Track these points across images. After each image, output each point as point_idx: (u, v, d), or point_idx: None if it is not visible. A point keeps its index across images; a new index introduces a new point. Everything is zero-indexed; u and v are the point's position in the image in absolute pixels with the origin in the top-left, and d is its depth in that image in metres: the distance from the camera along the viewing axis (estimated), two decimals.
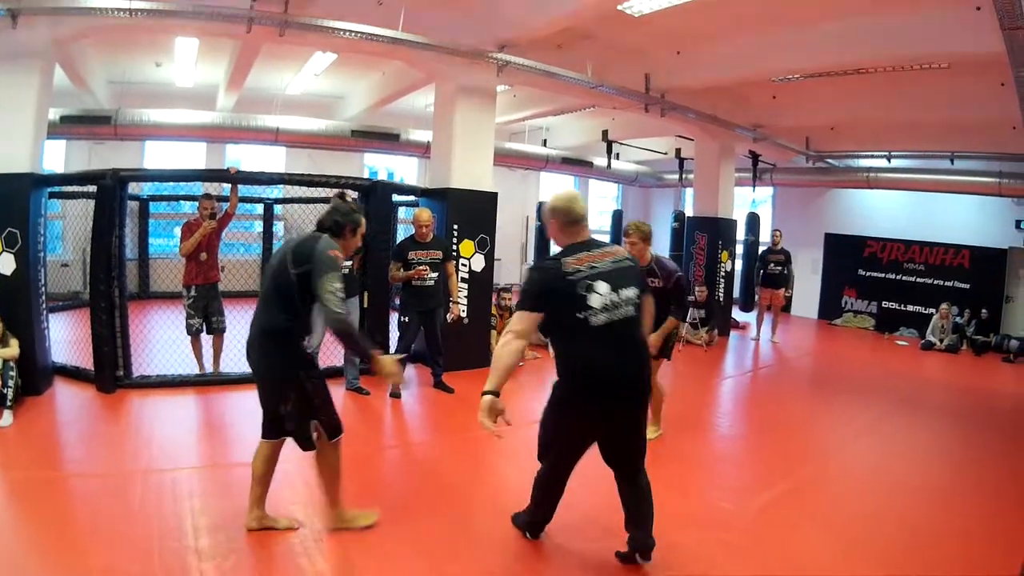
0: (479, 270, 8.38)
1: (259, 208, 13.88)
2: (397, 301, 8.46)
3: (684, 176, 15.35)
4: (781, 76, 9.47)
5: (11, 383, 5.65)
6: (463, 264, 8.21)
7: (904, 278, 14.25)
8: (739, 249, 13.38)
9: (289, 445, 3.82)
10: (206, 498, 4.35)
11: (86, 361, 6.87)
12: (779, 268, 11.75)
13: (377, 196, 7.63)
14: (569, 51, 8.63)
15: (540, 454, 3.67)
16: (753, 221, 13.95)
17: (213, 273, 7.15)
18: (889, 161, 13.65)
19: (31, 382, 6.16)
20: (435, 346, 7.18)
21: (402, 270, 6.77)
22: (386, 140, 13.26)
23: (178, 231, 7.63)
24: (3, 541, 3.75)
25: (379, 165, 15.97)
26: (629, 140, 14.96)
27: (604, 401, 3.32)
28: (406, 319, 6.97)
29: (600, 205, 20.08)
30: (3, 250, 6.25)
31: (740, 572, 3.72)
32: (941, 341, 12.17)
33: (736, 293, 13.41)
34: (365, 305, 7.35)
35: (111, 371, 6.61)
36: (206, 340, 7.23)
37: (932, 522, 4.61)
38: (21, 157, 6.36)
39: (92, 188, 6.86)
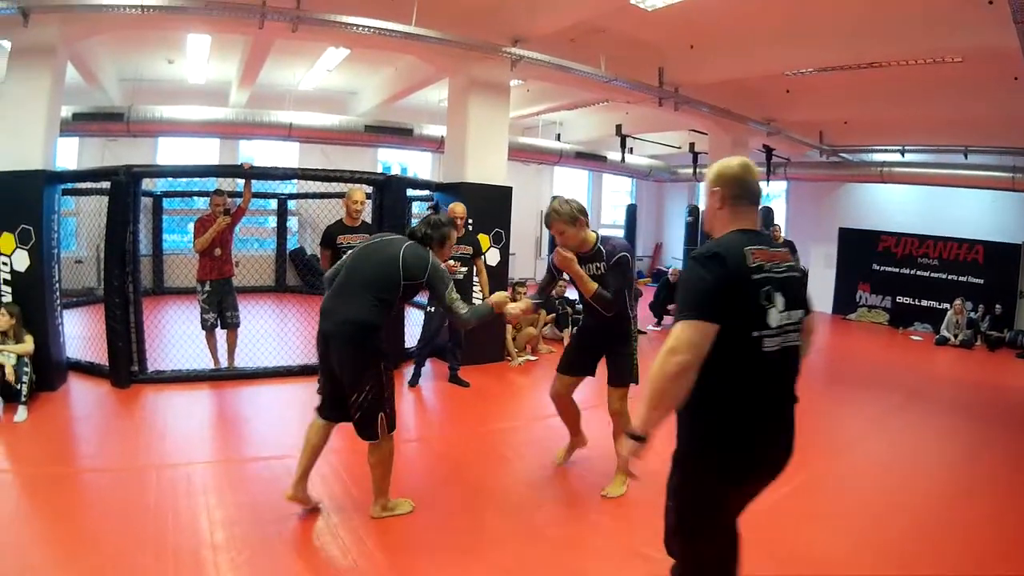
0: (494, 264, 8.36)
1: (273, 203, 13.95)
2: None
3: (698, 170, 15.34)
4: (794, 70, 9.41)
5: (26, 379, 5.68)
6: None
7: (918, 273, 14.11)
8: None
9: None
10: (221, 493, 4.37)
11: (100, 357, 6.89)
12: None
13: (391, 190, 7.64)
14: (582, 45, 8.59)
15: (683, 546, 2.56)
16: (767, 215, 13.85)
17: (227, 268, 7.17)
18: (903, 155, 13.52)
19: (46, 378, 6.18)
20: (457, 338, 7.22)
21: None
22: (400, 135, 13.29)
23: (191, 227, 7.65)
24: (17, 536, 3.76)
25: (392, 160, 15.98)
26: (643, 134, 14.92)
27: (765, 457, 2.47)
28: (431, 309, 7.00)
29: (614, 200, 20.10)
30: (17, 247, 6.28)
31: (752, 570, 3.69)
32: (955, 336, 12.07)
33: None
34: None
35: (125, 366, 6.63)
36: (220, 335, 7.24)
37: (942, 518, 4.56)
38: (34, 154, 6.38)
39: (106, 185, 6.87)
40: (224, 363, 7.25)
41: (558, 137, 15.57)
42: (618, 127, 13.67)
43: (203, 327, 7.12)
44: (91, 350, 7.18)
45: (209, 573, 3.39)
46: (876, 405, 7.63)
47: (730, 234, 2.43)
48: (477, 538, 3.95)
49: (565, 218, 4.25)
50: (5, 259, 6.29)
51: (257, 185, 8.08)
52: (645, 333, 10.90)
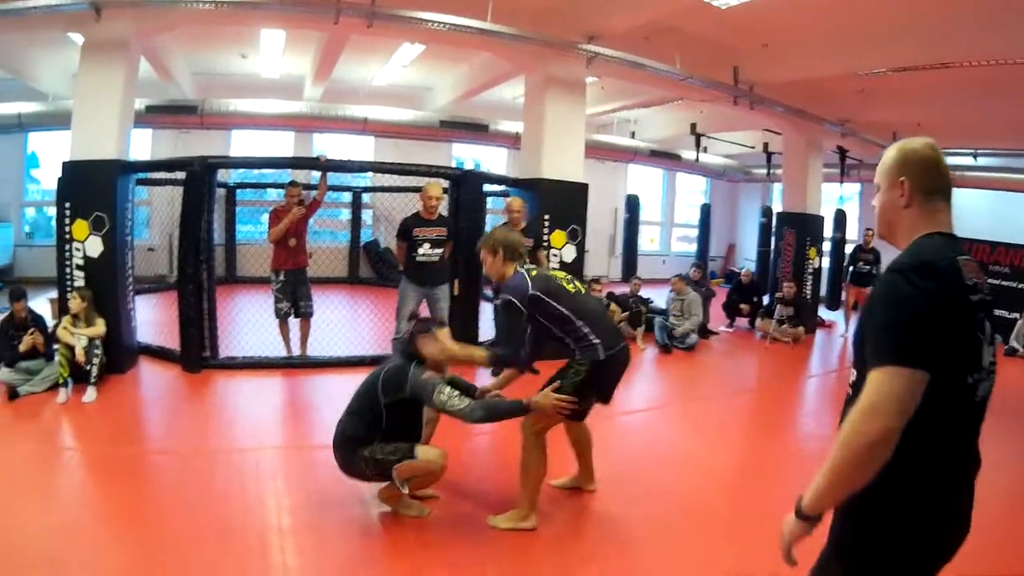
0: (570, 261, 8.30)
1: (347, 196, 14.09)
2: (488, 292, 8.42)
3: (771, 171, 15.10)
4: (868, 70, 9.15)
5: (96, 360, 5.83)
6: (554, 254, 8.15)
7: (989, 281, 13.50)
8: (826, 246, 12.97)
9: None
10: (288, 479, 4.41)
11: (172, 342, 7.04)
12: (868, 267, 11.45)
13: (468, 185, 7.62)
14: (656, 43, 8.45)
15: None
16: (840, 218, 13.56)
17: (302, 258, 7.26)
18: (975, 159, 13.09)
19: (116, 361, 6.34)
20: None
21: None
22: (475, 131, 13.28)
23: (265, 218, 7.78)
24: (84, 515, 3.84)
25: (465, 155, 16.04)
26: (716, 133, 14.69)
27: (953, 542, 1.75)
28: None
29: (688, 199, 19.88)
30: (90, 233, 6.47)
31: None
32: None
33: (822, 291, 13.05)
34: (455, 293, 7.32)
35: (197, 351, 6.77)
36: (293, 324, 7.32)
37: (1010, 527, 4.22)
38: (108, 144, 6.57)
39: (180, 175, 7.04)
40: (296, 351, 7.32)
41: (632, 135, 15.41)
42: (693, 125, 13.41)
43: (277, 316, 7.21)
44: (162, 335, 7.34)
45: (275, 557, 3.42)
46: None
47: (930, 239, 1.77)
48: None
49: (486, 246, 4.00)
50: (79, 245, 6.48)
51: (332, 178, 8.16)
52: (717, 334, 10.79)
